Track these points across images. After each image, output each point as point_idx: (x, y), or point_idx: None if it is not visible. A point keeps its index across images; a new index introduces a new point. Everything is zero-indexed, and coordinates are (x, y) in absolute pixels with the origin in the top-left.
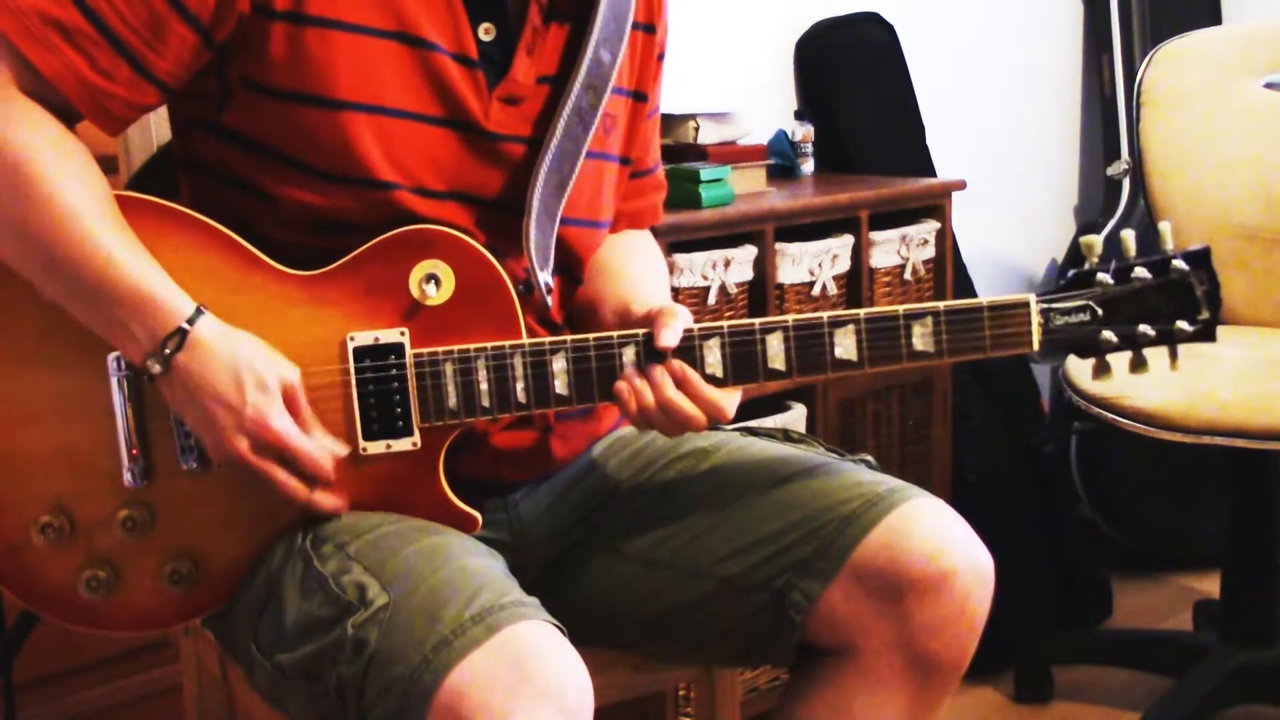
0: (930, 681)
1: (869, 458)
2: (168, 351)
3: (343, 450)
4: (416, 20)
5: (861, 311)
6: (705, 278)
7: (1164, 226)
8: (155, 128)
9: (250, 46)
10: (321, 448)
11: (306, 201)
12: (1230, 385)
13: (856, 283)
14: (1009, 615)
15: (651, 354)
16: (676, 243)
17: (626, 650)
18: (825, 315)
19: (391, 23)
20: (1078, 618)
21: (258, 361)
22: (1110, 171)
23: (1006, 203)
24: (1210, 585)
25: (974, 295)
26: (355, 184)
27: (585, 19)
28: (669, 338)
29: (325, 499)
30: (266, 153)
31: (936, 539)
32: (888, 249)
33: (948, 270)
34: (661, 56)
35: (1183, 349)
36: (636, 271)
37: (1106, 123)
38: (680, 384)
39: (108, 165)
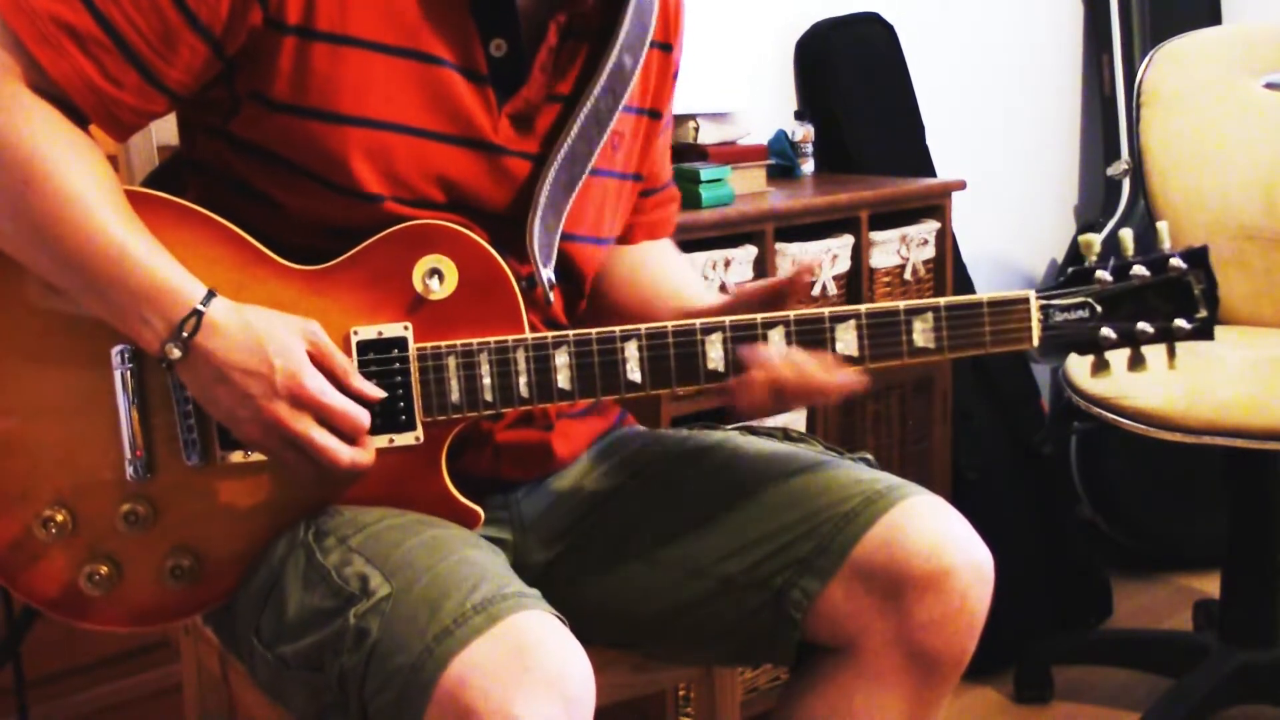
0: (930, 679)
1: (868, 455)
2: (185, 335)
3: (379, 393)
4: (426, 36)
5: (863, 307)
6: (705, 278)
7: (1161, 226)
8: (155, 129)
9: (259, 59)
10: (354, 405)
11: (311, 209)
12: (1230, 385)
13: (857, 283)
14: (1009, 615)
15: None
16: (677, 243)
17: (626, 650)
18: (826, 311)
19: (401, 38)
20: (1078, 618)
21: (277, 328)
22: (1110, 171)
23: (1006, 203)
24: (1210, 585)
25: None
26: (350, 195)
27: (605, 37)
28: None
29: (363, 458)
30: (271, 161)
31: (936, 536)
32: (888, 249)
33: (948, 270)
34: (676, 75)
35: (1181, 347)
36: (691, 289)
37: (1106, 123)
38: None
39: None
